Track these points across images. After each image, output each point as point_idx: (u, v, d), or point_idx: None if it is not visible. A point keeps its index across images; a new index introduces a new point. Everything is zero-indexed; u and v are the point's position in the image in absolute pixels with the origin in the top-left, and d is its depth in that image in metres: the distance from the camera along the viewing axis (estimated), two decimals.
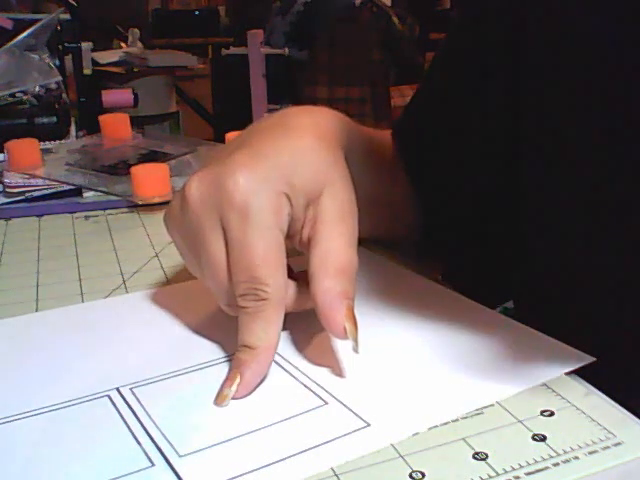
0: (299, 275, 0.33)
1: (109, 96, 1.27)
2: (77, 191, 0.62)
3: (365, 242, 0.45)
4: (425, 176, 0.47)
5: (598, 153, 0.35)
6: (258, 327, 0.30)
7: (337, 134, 0.36)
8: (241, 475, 0.25)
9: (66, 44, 0.99)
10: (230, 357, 0.33)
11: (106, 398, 0.30)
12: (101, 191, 0.61)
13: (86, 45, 1.18)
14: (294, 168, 0.31)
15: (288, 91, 2.56)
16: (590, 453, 0.25)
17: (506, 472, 0.24)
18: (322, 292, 0.30)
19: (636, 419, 0.27)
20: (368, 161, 0.42)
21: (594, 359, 0.31)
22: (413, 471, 0.25)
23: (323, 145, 0.33)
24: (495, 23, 0.42)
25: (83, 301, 0.41)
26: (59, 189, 0.62)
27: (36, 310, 0.40)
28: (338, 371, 0.31)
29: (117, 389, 0.30)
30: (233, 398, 0.29)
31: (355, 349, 0.30)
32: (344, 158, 0.34)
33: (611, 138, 0.34)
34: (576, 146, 0.36)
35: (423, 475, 0.24)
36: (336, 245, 0.31)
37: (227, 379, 0.30)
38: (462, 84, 0.45)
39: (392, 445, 0.26)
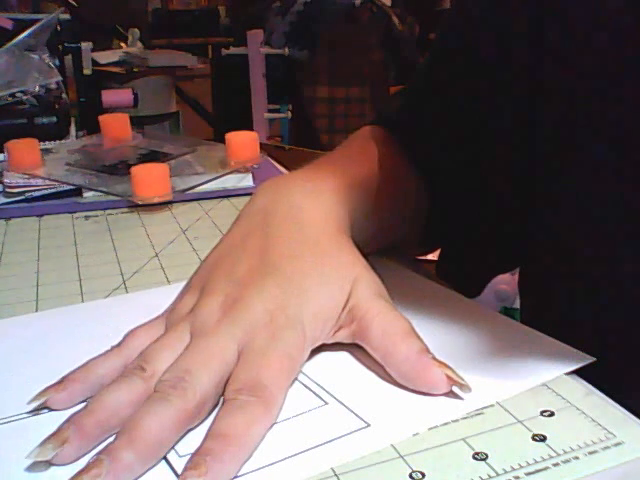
0: None
1: (109, 96, 1.27)
2: (77, 191, 0.62)
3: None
4: (438, 175, 0.47)
5: (614, 148, 0.35)
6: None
7: (343, 215, 0.37)
8: (241, 475, 0.25)
9: (66, 44, 0.99)
10: None
11: None
12: (101, 191, 0.61)
13: (86, 45, 1.17)
14: (322, 302, 0.32)
15: (288, 91, 2.56)
16: (590, 453, 0.25)
17: (506, 472, 0.24)
18: (404, 359, 0.30)
19: (636, 419, 0.27)
20: (372, 203, 0.42)
21: (594, 359, 0.31)
22: (413, 471, 0.25)
23: (339, 255, 0.34)
24: (511, 6, 0.41)
25: (83, 301, 0.41)
26: (59, 189, 0.62)
27: (36, 310, 0.40)
28: (338, 372, 0.31)
29: None
30: None
31: (468, 388, 0.28)
32: (353, 243, 0.36)
33: (627, 123, 0.34)
34: (592, 142, 0.35)
35: (423, 475, 0.24)
36: (387, 317, 0.32)
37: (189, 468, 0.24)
38: (476, 69, 0.44)
39: (392, 445, 0.26)
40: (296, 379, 0.31)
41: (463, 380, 0.28)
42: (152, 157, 0.68)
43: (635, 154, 0.34)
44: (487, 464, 0.25)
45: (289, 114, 2.52)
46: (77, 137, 0.82)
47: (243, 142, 0.66)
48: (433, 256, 0.54)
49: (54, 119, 0.78)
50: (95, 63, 1.40)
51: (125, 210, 0.59)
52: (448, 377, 0.29)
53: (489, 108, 0.43)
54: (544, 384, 0.29)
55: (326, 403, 0.29)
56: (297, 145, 2.36)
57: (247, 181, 0.65)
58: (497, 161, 0.44)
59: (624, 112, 0.34)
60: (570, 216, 0.38)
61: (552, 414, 0.28)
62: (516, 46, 0.40)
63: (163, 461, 0.26)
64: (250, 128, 1.90)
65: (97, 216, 0.58)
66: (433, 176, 0.47)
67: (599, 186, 0.35)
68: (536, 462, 0.25)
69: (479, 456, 0.25)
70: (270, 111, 2.53)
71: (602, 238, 0.36)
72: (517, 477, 0.24)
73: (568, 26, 0.36)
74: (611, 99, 0.34)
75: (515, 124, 0.42)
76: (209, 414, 0.28)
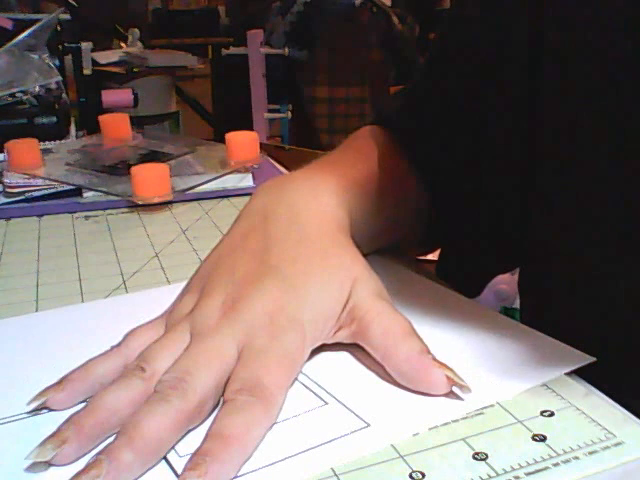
0: None
1: (109, 96, 1.27)
2: (77, 191, 0.62)
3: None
4: (438, 175, 0.47)
5: (613, 144, 0.34)
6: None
7: (343, 215, 0.37)
8: (241, 475, 0.25)
9: (66, 44, 0.99)
10: None
11: None
12: (101, 191, 0.61)
13: (86, 45, 1.18)
14: (321, 304, 0.32)
15: (288, 91, 2.56)
16: (590, 453, 0.25)
17: (506, 472, 0.24)
18: (404, 359, 0.30)
19: (636, 419, 0.27)
20: (372, 203, 0.42)
21: (594, 359, 0.31)
22: (413, 471, 0.25)
23: (339, 255, 0.34)
24: (511, 7, 0.41)
25: (83, 301, 0.41)
26: (59, 189, 0.62)
27: (36, 310, 0.40)
28: (338, 372, 0.31)
29: None
30: None
31: (468, 389, 0.28)
32: (353, 241, 0.36)
33: (627, 123, 0.34)
34: (592, 140, 0.35)
35: (423, 475, 0.24)
36: (387, 317, 0.32)
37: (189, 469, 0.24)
38: (476, 69, 0.44)
39: (392, 445, 0.26)
40: (296, 379, 0.31)
41: (463, 381, 0.28)
42: (152, 157, 0.68)
43: (635, 154, 0.34)
44: (487, 464, 0.25)
45: (289, 114, 2.52)
46: (77, 137, 0.82)
47: (243, 142, 0.66)
48: (433, 256, 0.54)
49: (54, 119, 0.78)
50: (95, 63, 1.40)
51: (125, 210, 0.59)
52: (448, 378, 0.29)
53: (489, 108, 0.43)
54: (544, 384, 0.29)
55: (326, 403, 0.29)
56: (297, 145, 2.36)
57: (247, 181, 0.65)
58: (497, 161, 0.44)
59: (624, 112, 0.34)
60: (570, 216, 0.38)
61: (552, 414, 0.28)
62: (516, 46, 0.40)
63: (163, 461, 0.26)
64: (250, 128, 1.89)
65: (97, 216, 0.58)
66: (433, 176, 0.47)
67: (599, 186, 0.35)
68: (536, 462, 0.25)
69: (479, 456, 0.25)
70: (270, 111, 2.53)
71: (602, 238, 0.36)
72: (517, 477, 0.24)
73: (568, 26, 0.36)
74: (611, 99, 0.34)
75: (515, 124, 0.42)
76: (209, 414, 0.28)
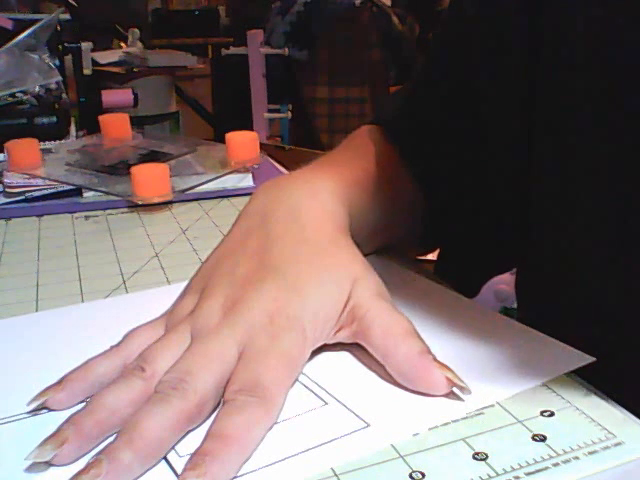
0: None
1: (109, 96, 1.27)
2: (77, 191, 0.62)
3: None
4: (437, 175, 0.47)
5: (614, 146, 0.34)
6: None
7: (342, 215, 0.37)
8: (241, 475, 0.25)
9: (66, 44, 0.99)
10: None
11: None
12: (101, 191, 0.61)
13: (86, 45, 1.17)
14: (320, 304, 0.32)
15: (288, 91, 2.56)
16: (590, 453, 0.25)
17: (506, 472, 0.24)
18: (404, 359, 0.30)
19: (636, 419, 0.27)
20: (370, 202, 0.42)
21: (594, 359, 0.31)
22: (413, 471, 0.25)
23: (339, 255, 0.34)
24: (510, 7, 0.40)
25: (83, 301, 0.41)
26: (59, 189, 0.62)
27: (36, 310, 0.40)
28: (338, 372, 0.31)
29: None
30: None
31: (468, 391, 0.28)
32: (353, 242, 0.36)
33: (627, 123, 0.34)
34: (592, 138, 0.35)
35: (423, 475, 0.24)
36: (388, 317, 0.32)
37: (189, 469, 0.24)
38: (475, 71, 0.43)
39: (392, 445, 0.26)
40: (296, 379, 0.31)
41: (463, 382, 0.28)
42: (152, 157, 0.68)
43: (635, 155, 0.34)
44: (487, 464, 0.25)
45: (289, 114, 2.52)
46: (77, 137, 0.82)
47: (243, 142, 0.66)
48: (433, 256, 0.54)
49: (54, 119, 0.78)
50: (95, 63, 1.40)
51: (125, 210, 0.59)
52: (448, 379, 0.29)
53: (488, 108, 0.43)
54: (544, 384, 0.30)
55: (326, 403, 0.29)
56: (297, 145, 2.37)
57: (247, 181, 0.65)
58: (496, 161, 0.44)
59: (624, 112, 0.34)
60: (568, 216, 0.38)
61: (552, 414, 0.28)
62: (516, 46, 0.40)
63: (163, 461, 0.26)
64: (250, 128, 1.89)
65: (97, 216, 0.58)
66: (431, 176, 0.47)
67: (598, 186, 0.35)
68: (536, 462, 0.25)
69: (479, 456, 0.25)
70: (270, 111, 2.53)
71: (600, 238, 0.36)
72: (517, 477, 0.24)
73: (568, 26, 0.36)
74: (611, 99, 0.34)
75: (514, 124, 0.42)
76: (209, 415, 0.28)
